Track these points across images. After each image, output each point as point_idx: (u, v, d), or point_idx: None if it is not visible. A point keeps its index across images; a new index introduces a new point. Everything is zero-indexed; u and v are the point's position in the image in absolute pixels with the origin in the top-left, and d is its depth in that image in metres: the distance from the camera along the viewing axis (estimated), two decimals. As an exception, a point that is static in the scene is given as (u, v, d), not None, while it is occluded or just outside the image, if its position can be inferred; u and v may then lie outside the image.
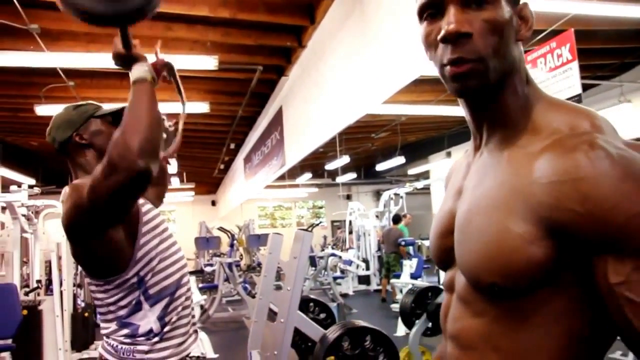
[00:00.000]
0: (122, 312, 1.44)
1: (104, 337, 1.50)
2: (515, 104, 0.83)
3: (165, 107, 5.83)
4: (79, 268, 5.48)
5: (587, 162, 0.69)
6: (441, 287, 4.61)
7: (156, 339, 1.45)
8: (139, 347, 1.44)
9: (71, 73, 5.81)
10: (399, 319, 5.73)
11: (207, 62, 4.98)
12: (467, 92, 0.82)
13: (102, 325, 1.50)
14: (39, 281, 5.00)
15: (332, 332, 2.97)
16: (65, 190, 1.44)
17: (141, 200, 1.52)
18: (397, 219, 9.91)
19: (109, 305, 1.45)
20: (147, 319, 1.45)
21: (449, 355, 0.88)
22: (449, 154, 12.08)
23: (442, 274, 6.73)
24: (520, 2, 0.83)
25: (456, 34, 0.76)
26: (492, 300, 0.78)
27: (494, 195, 0.79)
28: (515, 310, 0.76)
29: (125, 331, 1.45)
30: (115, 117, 1.57)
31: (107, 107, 1.63)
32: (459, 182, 0.92)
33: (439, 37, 0.78)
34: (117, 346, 1.45)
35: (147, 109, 1.37)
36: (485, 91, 0.81)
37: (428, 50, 0.84)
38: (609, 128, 0.76)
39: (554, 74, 2.44)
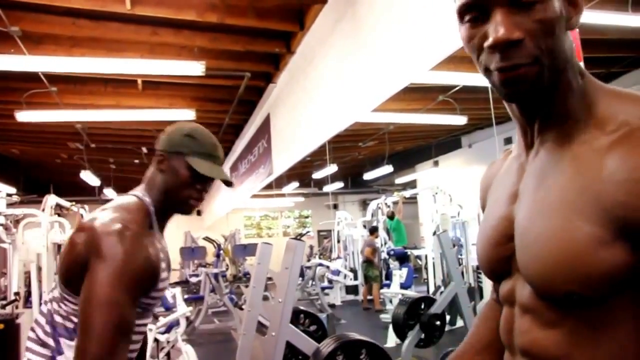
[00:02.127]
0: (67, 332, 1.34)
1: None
2: (572, 98, 0.76)
3: (150, 114, 5.66)
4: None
5: None
6: (433, 297, 4.53)
7: None
8: None
9: (53, 78, 5.68)
10: (389, 330, 5.64)
11: (194, 68, 4.88)
12: (519, 98, 0.76)
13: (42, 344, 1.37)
14: (17, 293, 4.83)
15: (326, 346, 2.85)
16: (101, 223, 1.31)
17: (164, 275, 1.40)
18: (372, 230, 9.92)
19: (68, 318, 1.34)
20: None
21: None
22: (436, 163, 12.09)
23: (431, 283, 6.69)
24: None
25: (505, 42, 0.70)
26: (567, 309, 0.72)
27: (560, 196, 0.72)
28: (593, 319, 0.70)
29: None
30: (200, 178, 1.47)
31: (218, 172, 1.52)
32: (512, 186, 0.84)
33: (486, 45, 0.72)
34: None
35: None
36: (540, 93, 0.74)
37: (470, 53, 0.78)
38: None
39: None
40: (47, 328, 1.36)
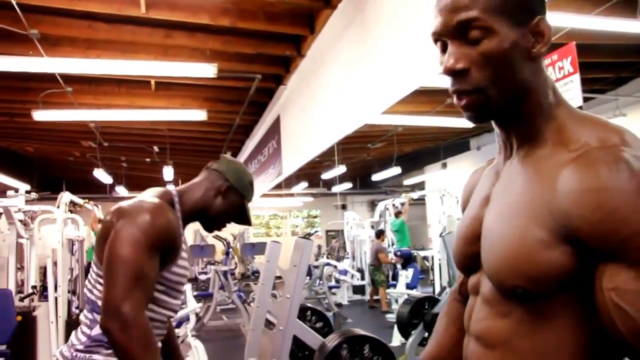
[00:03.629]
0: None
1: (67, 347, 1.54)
2: (540, 119, 0.85)
3: (162, 114, 5.77)
4: (74, 274, 5.45)
5: (607, 174, 0.71)
6: (437, 297, 4.61)
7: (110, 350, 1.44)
8: (95, 357, 1.47)
9: (69, 79, 5.81)
10: (395, 329, 5.72)
11: (207, 70, 4.99)
12: (475, 120, 0.87)
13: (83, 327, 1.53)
14: (34, 287, 4.96)
15: (331, 341, 2.95)
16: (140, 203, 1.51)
17: (184, 254, 1.59)
18: (379, 234, 9.99)
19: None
20: None
21: (470, 353, 0.91)
22: (444, 165, 12.12)
23: (437, 284, 6.76)
24: (536, 18, 0.83)
25: (450, 71, 0.82)
26: (515, 302, 0.81)
27: (519, 202, 0.82)
28: (537, 313, 0.79)
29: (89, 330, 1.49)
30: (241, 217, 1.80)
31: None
32: (487, 190, 0.95)
33: (439, 72, 0.84)
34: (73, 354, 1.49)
35: None
36: (496, 115, 0.86)
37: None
38: (638, 144, 0.77)
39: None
40: (87, 307, 1.54)
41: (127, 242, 1.38)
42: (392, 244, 10.39)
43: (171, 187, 1.67)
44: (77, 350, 1.48)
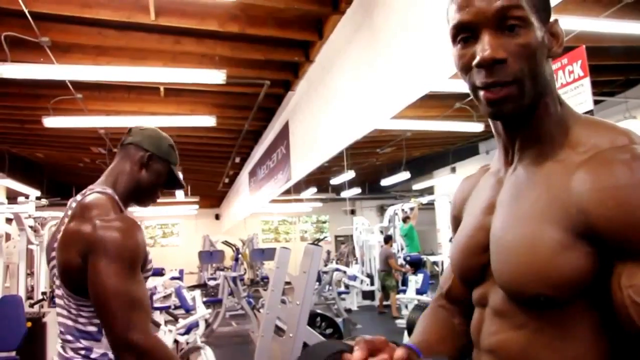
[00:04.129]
0: (92, 329, 1.48)
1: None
2: (549, 122, 0.84)
3: (171, 120, 5.79)
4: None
5: (625, 172, 0.71)
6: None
7: None
8: None
9: (79, 85, 5.85)
10: (405, 335, 5.69)
11: (216, 76, 5.00)
12: (501, 116, 0.84)
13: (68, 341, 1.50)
14: (44, 293, 4.98)
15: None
16: (93, 204, 1.49)
17: (150, 257, 1.60)
18: (387, 239, 9.96)
19: (86, 322, 1.48)
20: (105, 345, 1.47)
21: None
22: (453, 170, 12.07)
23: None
24: (551, 19, 0.84)
25: (492, 60, 0.77)
26: (531, 312, 0.79)
27: (531, 207, 0.80)
28: (555, 322, 0.77)
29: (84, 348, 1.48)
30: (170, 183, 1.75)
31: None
32: (489, 198, 0.92)
33: (474, 63, 0.80)
34: None
35: None
36: (520, 114, 0.82)
37: (460, 71, 0.86)
38: None
39: (565, 90, 2.44)
40: (74, 335, 1.50)
41: (109, 275, 1.35)
42: (402, 249, 10.35)
43: (100, 188, 1.57)
44: None
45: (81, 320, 1.46)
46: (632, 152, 0.73)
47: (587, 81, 2.35)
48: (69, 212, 1.52)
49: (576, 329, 0.75)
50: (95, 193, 1.53)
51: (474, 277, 0.92)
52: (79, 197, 1.55)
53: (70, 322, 1.47)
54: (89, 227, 1.41)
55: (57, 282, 1.49)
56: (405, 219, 10.31)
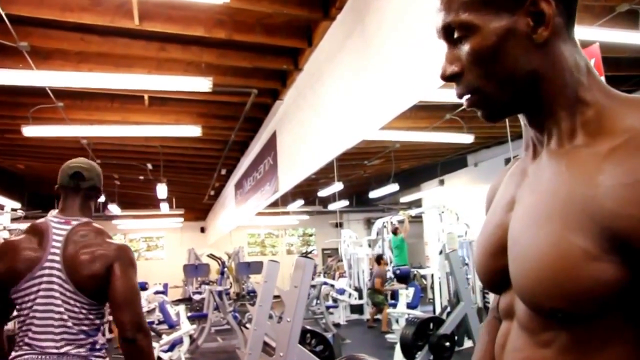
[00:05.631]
0: (95, 327, 1.89)
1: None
2: (566, 106, 0.72)
3: (156, 130, 5.64)
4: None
5: None
6: (442, 318, 4.44)
7: (104, 350, 1.91)
8: None
9: (61, 94, 5.68)
10: (396, 350, 5.54)
11: (202, 84, 4.86)
12: (487, 118, 0.79)
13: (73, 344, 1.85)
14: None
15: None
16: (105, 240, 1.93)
17: None
18: (379, 259, 9.78)
19: (91, 323, 1.86)
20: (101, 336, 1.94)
21: None
22: (441, 182, 12.03)
23: (437, 303, 6.58)
24: None
25: (446, 77, 0.77)
26: (559, 327, 0.66)
27: (550, 203, 0.68)
28: (584, 340, 0.65)
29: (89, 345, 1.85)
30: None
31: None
32: (512, 192, 0.79)
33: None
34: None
35: None
36: (509, 110, 0.76)
37: None
38: None
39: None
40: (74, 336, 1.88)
41: (131, 277, 1.87)
42: (391, 262, 10.24)
43: (88, 219, 1.98)
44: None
45: (86, 322, 1.83)
46: None
47: (602, 80, 2.25)
48: (72, 237, 1.86)
49: (612, 346, 0.63)
50: (92, 224, 1.95)
51: (497, 281, 0.80)
52: (63, 225, 1.89)
53: (77, 327, 1.81)
54: (111, 246, 1.88)
55: (64, 296, 1.79)
56: (395, 231, 10.21)
